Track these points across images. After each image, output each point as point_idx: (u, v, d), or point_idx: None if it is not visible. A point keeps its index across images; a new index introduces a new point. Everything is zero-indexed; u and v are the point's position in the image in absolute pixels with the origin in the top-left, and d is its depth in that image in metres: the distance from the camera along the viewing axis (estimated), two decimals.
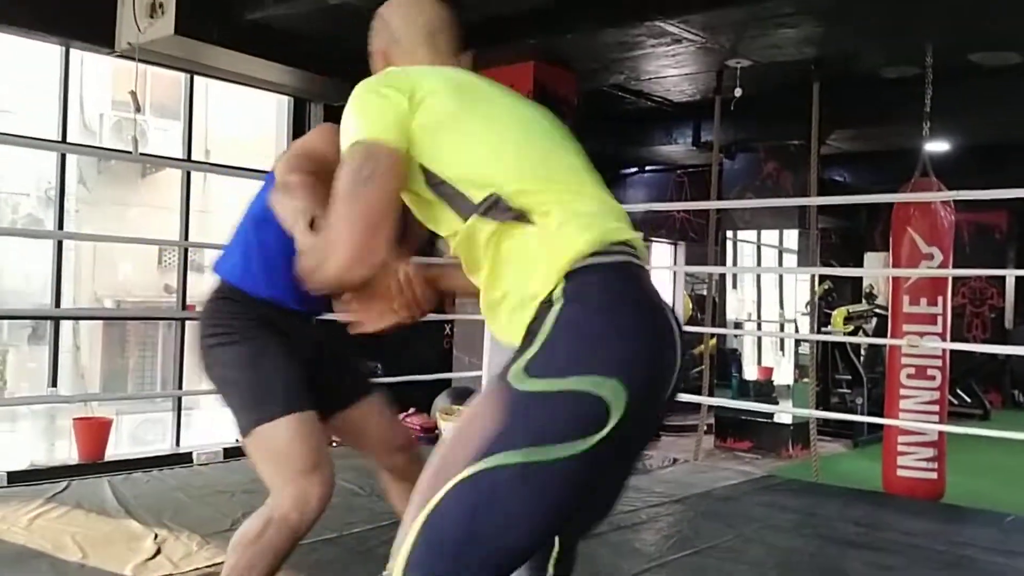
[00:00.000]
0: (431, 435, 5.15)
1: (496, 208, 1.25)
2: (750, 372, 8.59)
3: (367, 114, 1.31)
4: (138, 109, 4.53)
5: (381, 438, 2.08)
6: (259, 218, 1.90)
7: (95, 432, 5.42)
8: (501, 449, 1.12)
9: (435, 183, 1.30)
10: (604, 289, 1.19)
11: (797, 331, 7.43)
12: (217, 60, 5.45)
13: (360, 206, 1.24)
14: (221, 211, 8.10)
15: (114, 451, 5.71)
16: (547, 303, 1.18)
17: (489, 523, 1.11)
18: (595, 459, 1.11)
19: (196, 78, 6.00)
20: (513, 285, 1.25)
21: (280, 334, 1.86)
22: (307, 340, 1.93)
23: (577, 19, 4.93)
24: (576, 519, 1.26)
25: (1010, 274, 10.25)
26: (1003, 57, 5.56)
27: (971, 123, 7.15)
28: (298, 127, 6.40)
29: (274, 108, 6.61)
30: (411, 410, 5.28)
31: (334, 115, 6.09)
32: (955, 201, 5.14)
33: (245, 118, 7.95)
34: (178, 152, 6.35)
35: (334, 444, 4.91)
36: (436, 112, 1.30)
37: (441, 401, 5.57)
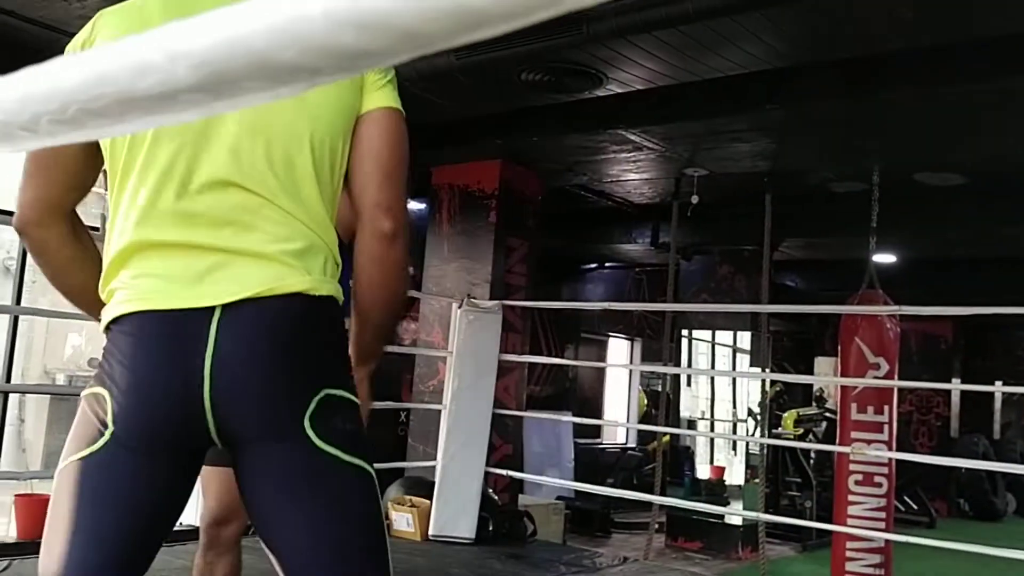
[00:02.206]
0: None
1: None
2: (703, 471, 8.64)
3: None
4: (107, 187, 4.56)
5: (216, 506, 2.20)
6: None
7: (37, 509, 5.27)
8: None
9: None
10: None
11: (748, 432, 7.52)
12: None
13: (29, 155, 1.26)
14: None
15: None
16: None
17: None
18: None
19: None
20: None
21: None
22: None
23: (543, 124, 5.12)
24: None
25: (955, 387, 10.51)
26: (945, 178, 5.86)
27: (916, 238, 7.46)
28: None
29: None
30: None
31: None
32: (901, 315, 5.33)
33: None
34: None
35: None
36: None
37: (394, 490, 5.51)
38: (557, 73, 4.27)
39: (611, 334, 10.40)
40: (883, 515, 5.16)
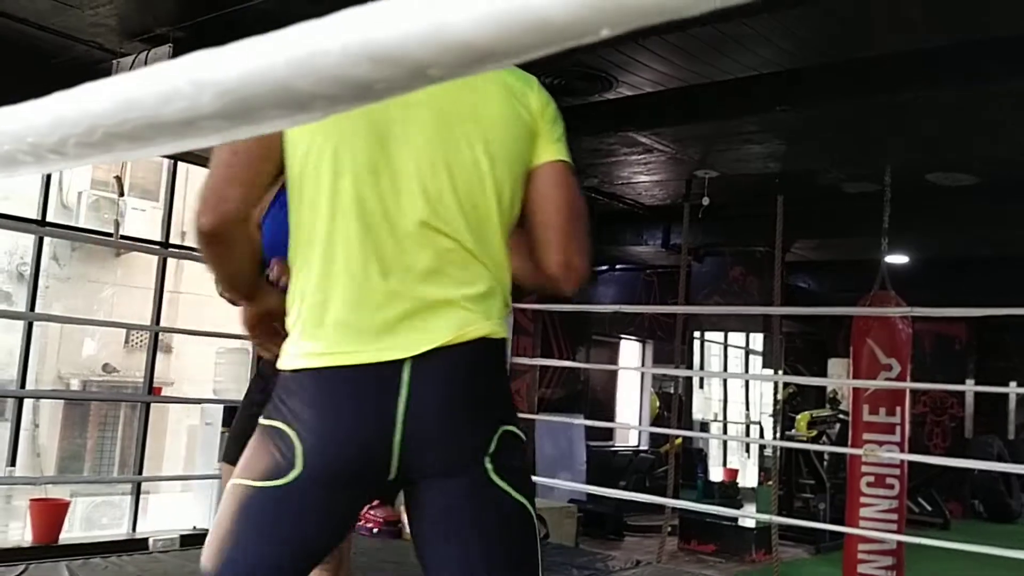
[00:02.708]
0: (393, 527, 5.11)
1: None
2: (716, 473, 8.63)
3: None
4: (122, 193, 4.61)
5: None
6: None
7: (51, 514, 5.32)
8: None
9: None
10: None
11: (762, 432, 7.50)
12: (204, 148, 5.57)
13: (223, 154, 1.27)
14: (193, 294, 8.11)
15: (67, 534, 5.59)
16: None
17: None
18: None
19: (180, 165, 6.11)
20: None
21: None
22: None
23: None
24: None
25: (968, 388, 10.45)
26: (957, 178, 5.84)
27: (928, 238, 7.44)
28: None
29: None
30: (375, 502, 5.24)
31: None
32: (913, 315, 5.31)
33: None
34: (154, 233, 6.42)
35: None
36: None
37: None
38: (568, 76, 4.29)
39: (623, 336, 10.39)
40: (895, 517, 5.15)
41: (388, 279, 1.26)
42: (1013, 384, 8.67)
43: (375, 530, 5.11)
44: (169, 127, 0.32)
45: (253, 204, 1.31)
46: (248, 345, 6.47)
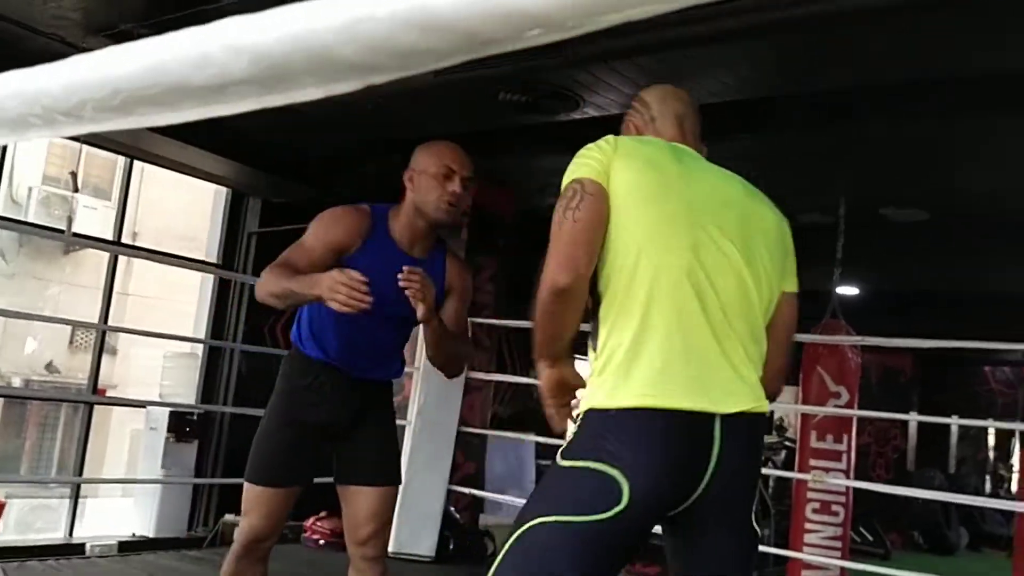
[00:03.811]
0: (342, 540, 5.04)
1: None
2: None
3: (578, 163, 1.59)
4: (76, 189, 4.52)
5: (351, 525, 2.38)
6: None
7: None
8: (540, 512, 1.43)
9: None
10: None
11: None
12: (160, 147, 5.49)
13: (566, 226, 1.49)
14: (141, 296, 7.95)
15: (0, 536, 5.42)
16: None
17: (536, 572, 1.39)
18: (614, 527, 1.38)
19: (135, 163, 6.01)
20: None
21: (303, 406, 2.34)
22: (341, 402, 2.33)
23: (518, 144, 5.16)
24: None
25: (912, 419, 10.66)
26: (910, 213, 5.98)
27: (879, 271, 7.59)
28: (234, 219, 6.43)
29: (209, 197, 6.64)
30: (323, 513, 5.17)
31: (272, 210, 6.20)
32: (862, 345, 5.41)
33: (178, 204, 7.94)
34: (105, 233, 6.29)
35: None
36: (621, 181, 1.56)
37: None
38: (535, 94, 4.31)
39: (576, 356, 10.43)
40: (839, 544, 5.22)
41: (708, 338, 1.49)
42: (955, 417, 8.87)
43: (321, 541, 5.04)
44: (197, 92, 0.31)
45: (594, 264, 1.53)
46: (198, 349, 6.37)
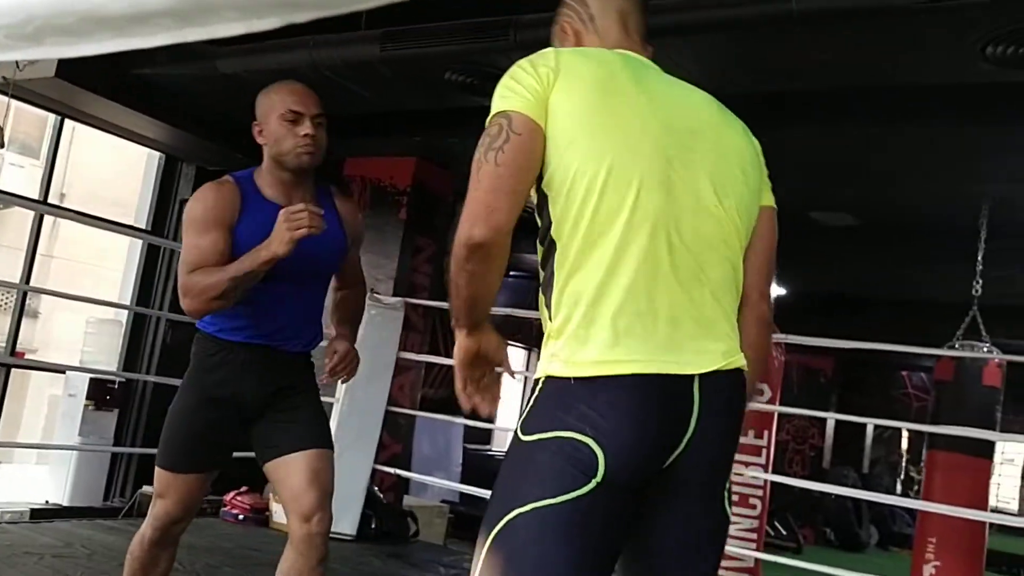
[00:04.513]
0: (261, 515, 4.99)
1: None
2: None
3: (506, 88, 1.37)
4: (1, 145, 4.37)
5: (288, 498, 2.17)
6: None
7: None
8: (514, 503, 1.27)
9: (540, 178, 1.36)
10: None
11: None
12: (94, 107, 5.34)
13: (486, 170, 1.30)
14: (65, 259, 7.73)
15: None
16: None
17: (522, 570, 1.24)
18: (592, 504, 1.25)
19: (66, 122, 5.82)
20: None
21: (215, 383, 2.21)
22: (256, 377, 2.20)
23: (462, 125, 5.14)
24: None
25: (831, 417, 10.97)
26: (839, 217, 6.14)
27: (807, 273, 7.78)
28: (166, 184, 6.28)
29: (142, 161, 6.47)
30: (243, 488, 5.10)
31: (206, 177, 6.10)
32: (786, 344, 5.54)
33: (109, 167, 7.73)
34: (32, 192, 6.09)
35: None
36: (568, 104, 1.34)
37: None
38: (482, 76, 4.29)
39: (509, 343, 10.45)
40: (755, 536, 5.35)
41: (676, 292, 1.33)
42: (871, 419, 9.15)
43: (241, 516, 4.98)
44: (113, 22, 0.31)
45: (517, 215, 1.32)
46: (122, 316, 6.21)
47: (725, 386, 1.34)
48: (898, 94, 3.98)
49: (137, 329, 6.18)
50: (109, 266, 6.51)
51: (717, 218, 1.39)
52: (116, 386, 5.85)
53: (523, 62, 1.40)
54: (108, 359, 6.16)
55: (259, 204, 2.17)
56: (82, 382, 5.69)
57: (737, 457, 5.04)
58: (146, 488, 5.86)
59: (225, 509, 5.04)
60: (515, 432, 1.34)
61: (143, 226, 6.23)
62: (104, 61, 4.95)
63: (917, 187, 5.32)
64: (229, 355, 2.18)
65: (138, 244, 6.23)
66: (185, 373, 2.28)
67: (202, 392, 2.20)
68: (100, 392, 5.73)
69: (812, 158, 5.02)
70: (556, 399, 1.30)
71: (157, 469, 2.26)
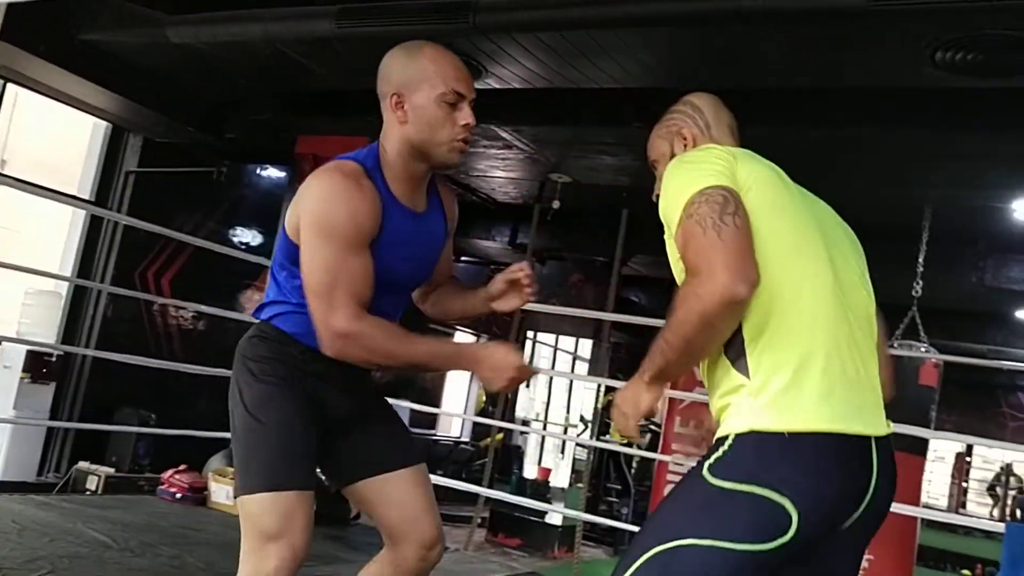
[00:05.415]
0: (199, 495, 4.92)
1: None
2: (530, 471, 8.83)
3: (702, 169, 1.43)
4: None
5: (400, 521, 1.84)
6: (286, 264, 1.77)
7: None
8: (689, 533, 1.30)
9: None
10: None
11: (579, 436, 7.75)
12: (39, 73, 5.19)
13: (729, 233, 1.33)
14: (6, 227, 7.52)
15: None
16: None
17: None
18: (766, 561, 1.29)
19: (9, 86, 5.65)
20: None
21: (308, 382, 1.77)
22: (342, 388, 1.81)
23: None
24: None
25: None
26: None
27: None
28: (112, 155, 6.14)
29: (88, 130, 6.31)
30: (182, 467, 5.03)
31: (154, 148, 5.95)
32: None
33: (53, 134, 7.52)
34: None
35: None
36: (758, 198, 1.42)
37: (216, 461, 5.35)
38: None
39: (458, 328, 10.45)
40: None
41: (856, 359, 1.41)
42: None
43: (178, 495, 4.90)
44: None
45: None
46: (62, 288, 6.06)
47: (889, 449, 1.43)
48: (848, 96, 4.05)
49: (77, 301, 6.04)
50: (51, 236, 6.35)
51: (866, 293, 1.53)
52: (54, 359, 5.72)
53: (697, 151, 1.55)
54: (46, 331, 6.02)
55: (393, 209, 1.74)
56: (18, 354, 5.55)
57: (678, 447, 5.08)
58: (82, 464, 5.75)
59: (162, 487, 4.97)
60: (702, 471, 1.35)
61: (87, 196, 6.08)
62: (49, 23, 4.83)
63: (862, 189, 5.42)
64: (319, 365, 1.75)
65: (81, 214, 6.08)
66: (255, 380, 1.76)
67: (297, 399, 1.75)
68: (37, 365, 5.60)
69: (766, 156, 5.08)
70: (757, 453, 1.33)
71: (264, 499, 1.66)
